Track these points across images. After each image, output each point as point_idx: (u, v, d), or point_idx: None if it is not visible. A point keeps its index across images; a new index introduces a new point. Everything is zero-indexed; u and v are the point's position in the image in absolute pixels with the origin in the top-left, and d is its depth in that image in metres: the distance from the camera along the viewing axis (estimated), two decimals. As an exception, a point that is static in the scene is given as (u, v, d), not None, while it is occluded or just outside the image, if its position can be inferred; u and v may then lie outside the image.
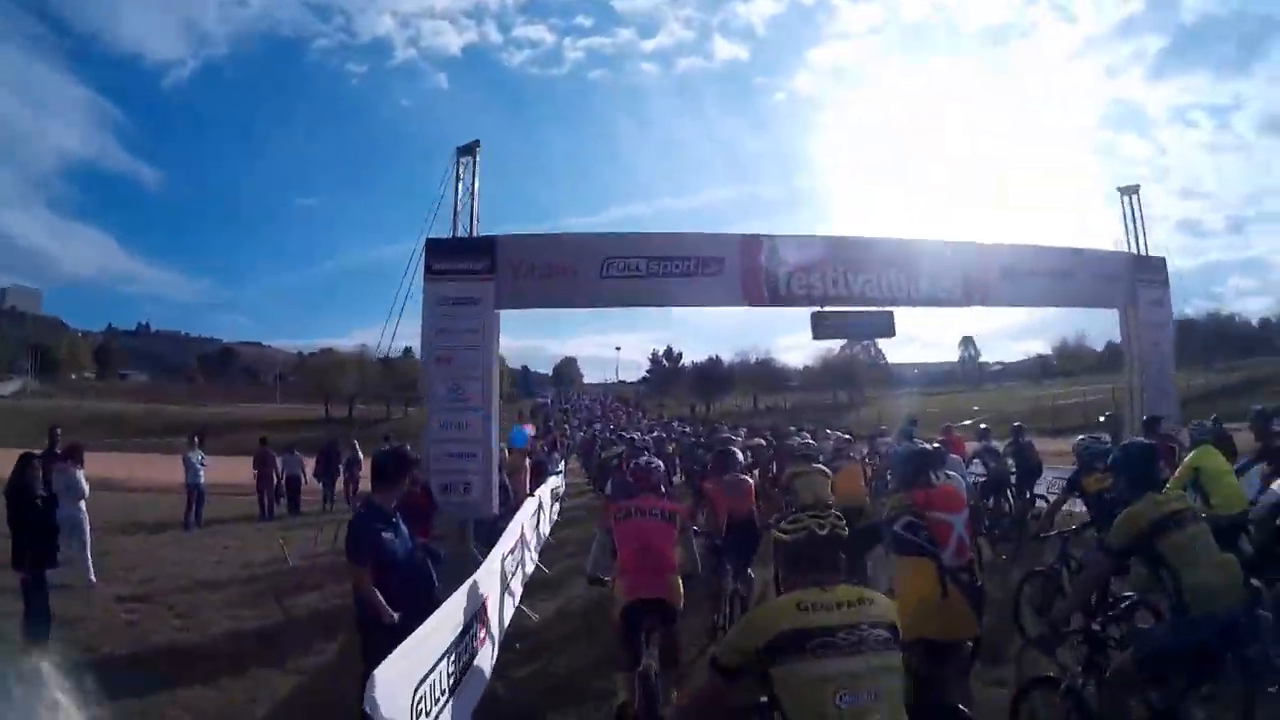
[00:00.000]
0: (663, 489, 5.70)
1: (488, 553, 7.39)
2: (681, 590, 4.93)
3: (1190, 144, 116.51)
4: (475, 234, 10.48)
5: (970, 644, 4.15)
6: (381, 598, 4.52)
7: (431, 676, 4.30)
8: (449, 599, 5.10)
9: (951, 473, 7.05)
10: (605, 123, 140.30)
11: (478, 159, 10.73)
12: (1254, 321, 69.01)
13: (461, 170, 10.71)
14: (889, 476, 7.20)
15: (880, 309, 11.41)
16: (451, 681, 4.74)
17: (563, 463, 21.79)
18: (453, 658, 4.82)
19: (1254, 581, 3.94)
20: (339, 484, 18.37)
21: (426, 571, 5.13)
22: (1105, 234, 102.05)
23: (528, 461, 13.08)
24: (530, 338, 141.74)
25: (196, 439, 16.95)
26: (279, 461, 17.69)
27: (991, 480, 11.58)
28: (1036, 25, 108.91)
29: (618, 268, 10.36)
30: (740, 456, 8.57)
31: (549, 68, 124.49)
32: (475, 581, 5.86)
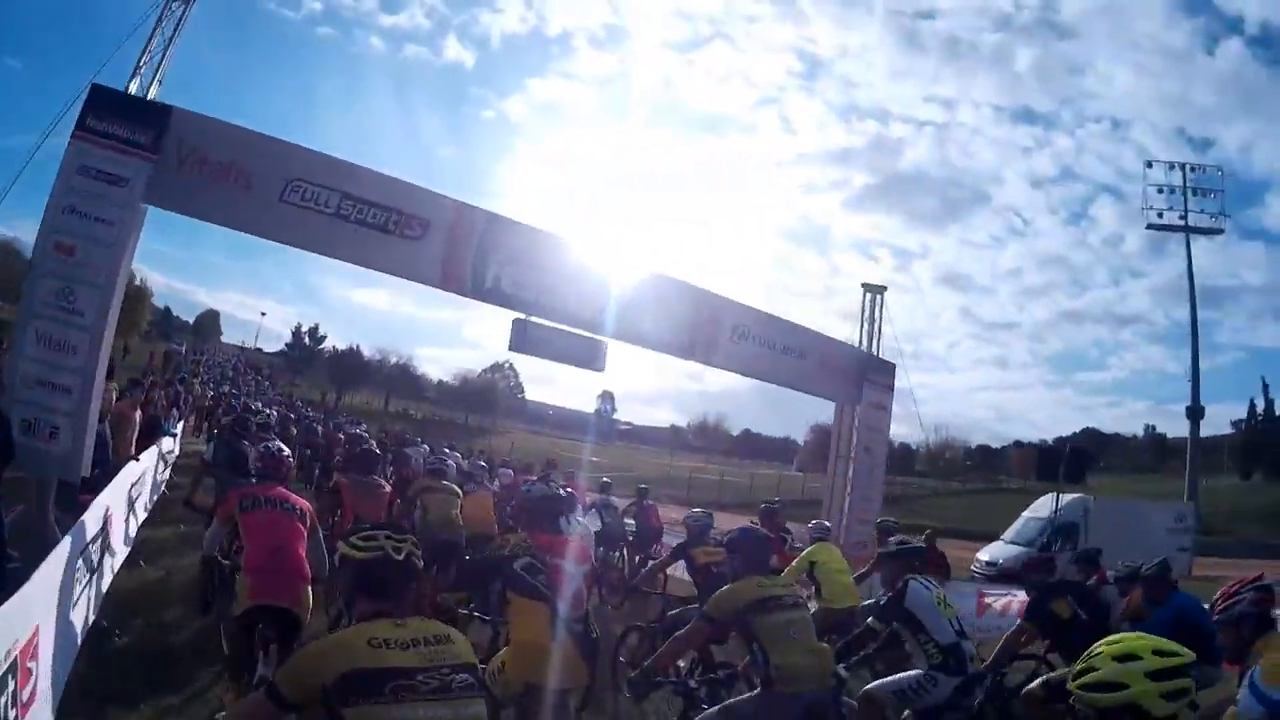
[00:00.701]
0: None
1: (73, 523, 5.47)
2: (311, 600, 4.51)
3: (866, 275, 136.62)
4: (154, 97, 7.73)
5: (579, 692, 4.11)
6: None
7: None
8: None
9: (581, 519, 7.47)
10: (317, 84, 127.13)
11: (189, 10, 8.00)
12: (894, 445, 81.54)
13: (165, 17, 7.89)
14: (514, 513, 7.06)
15: (593, 336, 10.33)
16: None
17: (180, 423, 17.85)
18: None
19: (842, 671, 4.26)
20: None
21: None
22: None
23: (138, 415, 9.88)
24: (179, 278, 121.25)
25: None
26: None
27: (606, 533, 11.14)
28: (757, 127, 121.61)
29: (303, 195, 8.17)
30: (380, 462, 8.28)
31: (284, 7, 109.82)
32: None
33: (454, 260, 9.13)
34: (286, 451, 5.27)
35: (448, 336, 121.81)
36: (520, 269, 9.54)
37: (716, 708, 4.04)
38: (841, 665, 4.37)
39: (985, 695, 4.80)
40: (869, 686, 4.80)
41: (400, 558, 2.37)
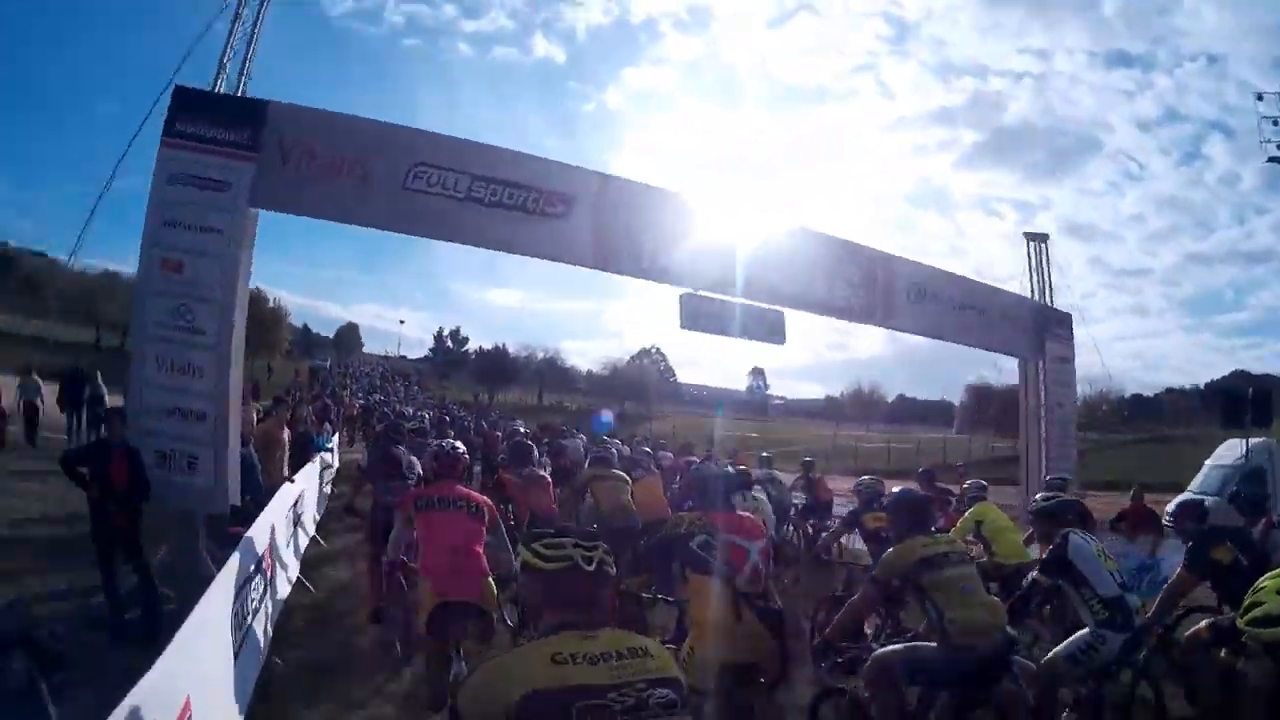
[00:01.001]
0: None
1: (226, 558, 4.76)
2: (495, 592, 4.55)
3: (991, 232, 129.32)
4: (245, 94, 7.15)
5: (771, 666, 4.05)
6: None
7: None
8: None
9: (756, 494, 7.91)
10: (411, 93, 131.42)
11: (266, 9, 7.37)
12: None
13: (242, 10, 7.30)
14: (685, 492, 6.88)
15: (769, 307, 9.36)
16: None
17: (335, 436, 18.00)
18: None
19: (1010, 630, 4.14)
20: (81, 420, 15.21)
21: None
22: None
23: (286, 434, 9.58)
24: (310, 295, 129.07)
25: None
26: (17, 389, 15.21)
27: (772, 508, 10.07)
28: (856, 93, 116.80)
29: (430, 180, 7.38)
30: (535, 451, 8.32)
31: (368, 24, 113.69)
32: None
33: (605, 236, 8.18)
34: (461, 449, 5.16)
35: (588, 327, 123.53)
36: (677, 241, 8.52)
37: (899, 647, 4.14)
38: (1010, 626, 4.27)
39: (1153, 649, 4.76)
40: (1045, 659, 4.59)
41: (591, 568, 2.08)
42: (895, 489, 5.52)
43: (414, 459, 6.88)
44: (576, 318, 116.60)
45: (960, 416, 59.21)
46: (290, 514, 8.30)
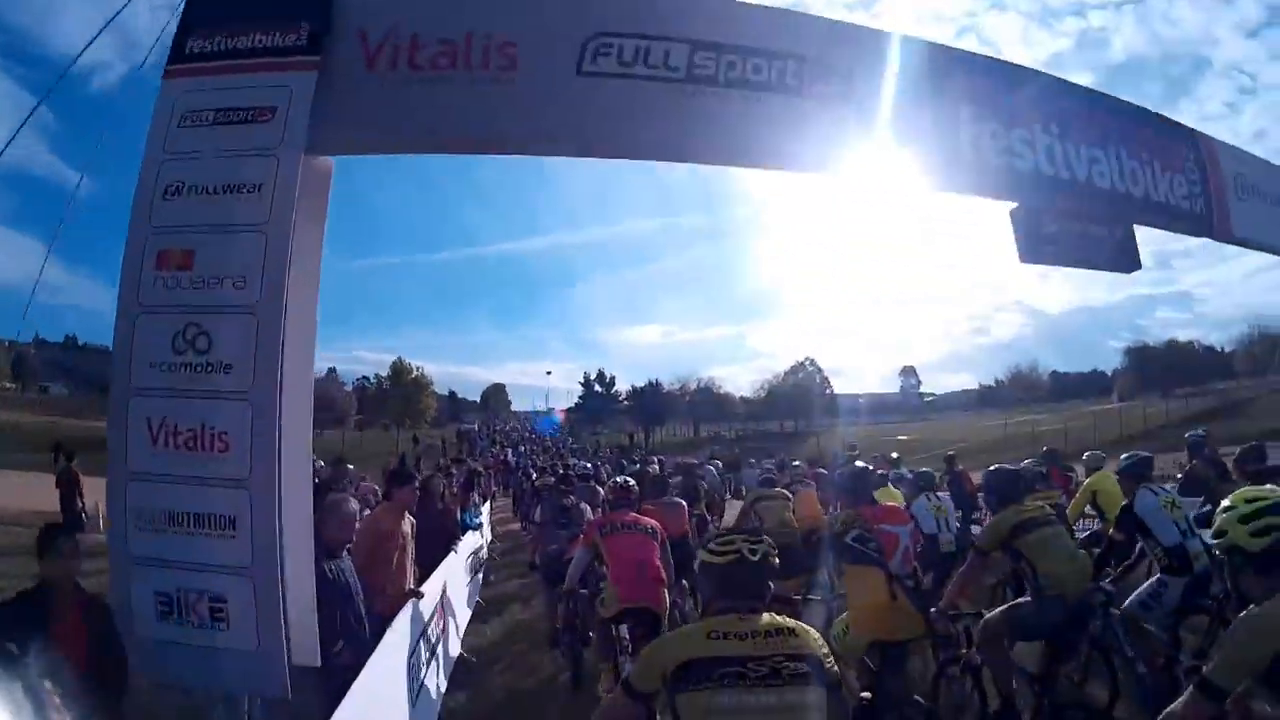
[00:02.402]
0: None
1: None
2: (667, 600, 5.33)
3: None
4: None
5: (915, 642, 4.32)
6: None
7: None
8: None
9: (941, 494, 8.67)
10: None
11: None
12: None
13: None
14: (833, 494, 7.10)
15: (1114, 224, 5.95)
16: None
17: (486, 505, 15.13)
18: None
19: (1108, 585, 4.62)
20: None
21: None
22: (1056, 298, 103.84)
23: (407, 523, 6.60)
24: (451, 363, 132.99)
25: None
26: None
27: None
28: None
29: (621, 55, 4.18)
30: (669, 483, 9.17)
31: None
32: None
33: (911, 125, 4.82)
34: (632, 482, 6.25)
35: (733, 351, 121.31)
36: (1013, 127, 5.23)
37: (1001, 610, 4.61)
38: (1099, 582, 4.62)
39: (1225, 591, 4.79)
40: (1124, 607, 4.86)
41: (755, 559, 2.44)
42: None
43: (584, 505, 8.16)
44: (720, 343, 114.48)
45: (1121, 382, 57.72)
46: (417, 646, 5.39)
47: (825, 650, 2.35)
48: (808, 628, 2.39)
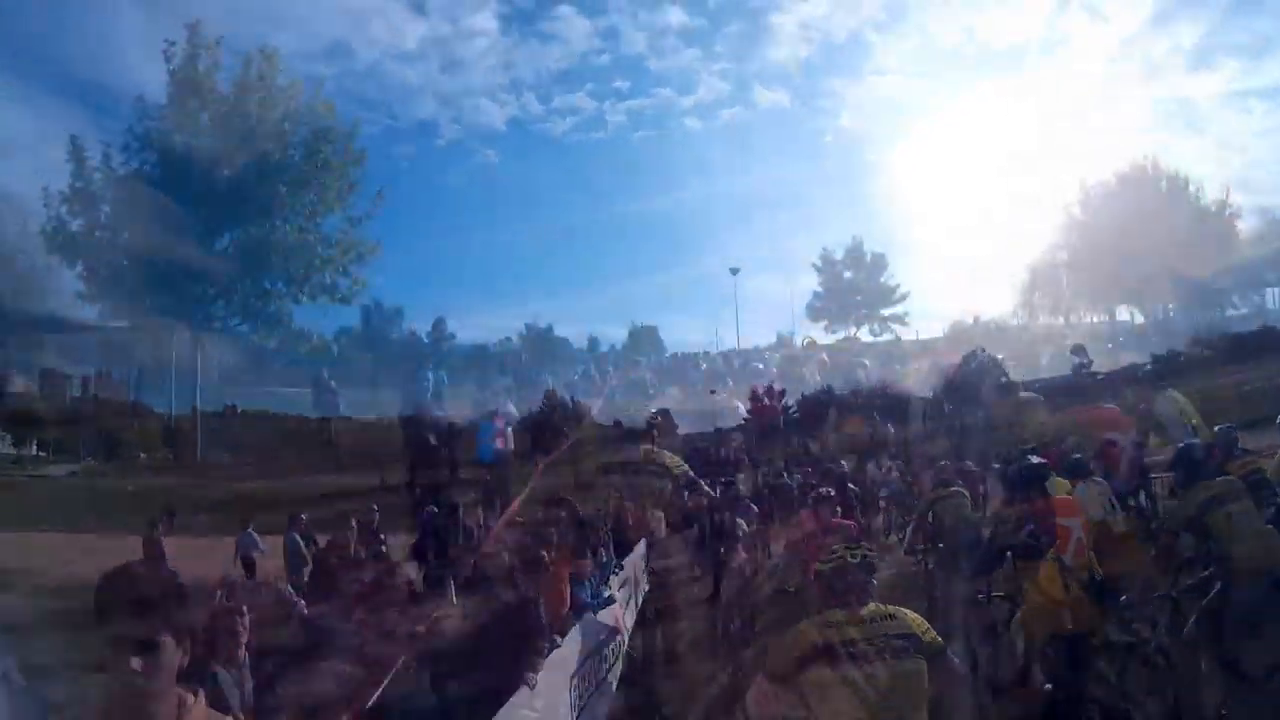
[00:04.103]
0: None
1: None
2: None
3: (1246, 132, 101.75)
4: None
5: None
6: None
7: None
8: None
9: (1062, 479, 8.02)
10: (649, 180, 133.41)
11: None
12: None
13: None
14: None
15: None
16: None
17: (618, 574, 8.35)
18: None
19: None
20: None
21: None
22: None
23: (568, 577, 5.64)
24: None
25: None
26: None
27: None
28: (1068, 39, 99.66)
29: None
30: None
31: (591, 132, 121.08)
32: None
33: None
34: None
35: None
36: None
37: (1192, 598, 4.70)
38: None
39: None
40: None
41: (856, 561, 3.05)
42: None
43: (740, 519, 9.06)
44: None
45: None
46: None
47: (925, 627, 2.94)
48: (906, 611, 3.00)
